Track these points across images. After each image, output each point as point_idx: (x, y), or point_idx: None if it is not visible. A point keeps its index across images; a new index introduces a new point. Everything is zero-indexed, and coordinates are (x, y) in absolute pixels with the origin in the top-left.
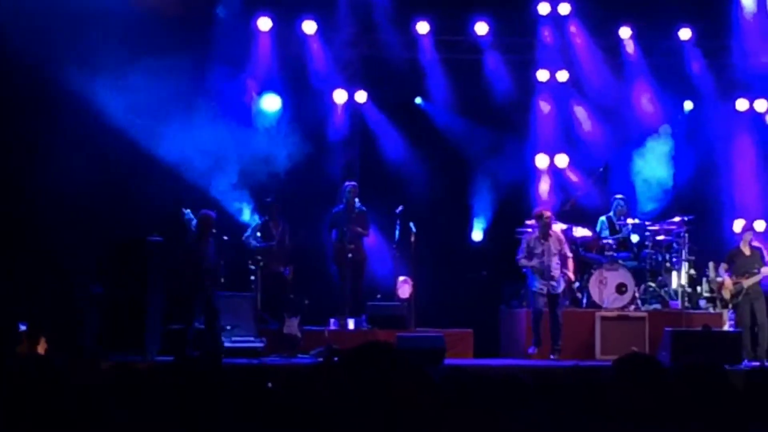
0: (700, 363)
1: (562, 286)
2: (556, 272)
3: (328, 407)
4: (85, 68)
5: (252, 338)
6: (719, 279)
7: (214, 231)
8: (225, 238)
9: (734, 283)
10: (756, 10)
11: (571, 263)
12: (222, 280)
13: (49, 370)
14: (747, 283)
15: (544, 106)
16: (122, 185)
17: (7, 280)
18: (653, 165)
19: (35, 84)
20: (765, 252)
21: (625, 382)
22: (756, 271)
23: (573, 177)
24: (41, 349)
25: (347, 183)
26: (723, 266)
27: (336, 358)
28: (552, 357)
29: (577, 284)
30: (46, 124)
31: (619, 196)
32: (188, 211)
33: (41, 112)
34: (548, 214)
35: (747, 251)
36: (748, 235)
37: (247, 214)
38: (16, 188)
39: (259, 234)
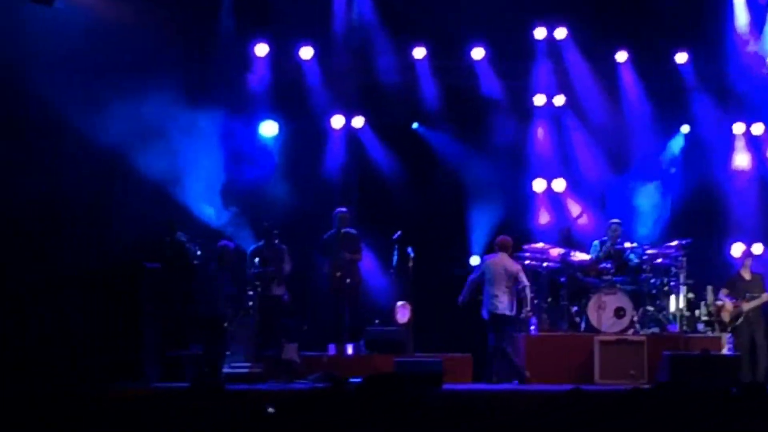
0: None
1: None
2: None
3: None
4: (75, 88)
5: (250, 364)
6: (719, 302)
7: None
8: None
9: (734, 307)
10: (751, 34)
11: None
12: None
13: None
14: (747, 306)
15: (541, 131)
16: (112, 208)
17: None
18: (650, 191)
19: (26, 106)
20: (766, 277)
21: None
22: (756, 295)
23: (571, 201)
24: None
25: (337, 209)
26: (723, 291)
27: (348, 385)
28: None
29: (575, 308)
30: (37, 145)
31: (614, 220)
32: (182, 233)
33: (34, 134)
34: None
35: (747, 276)
36: (749, 261)
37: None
38: (6, 212)
39: (257, 259)
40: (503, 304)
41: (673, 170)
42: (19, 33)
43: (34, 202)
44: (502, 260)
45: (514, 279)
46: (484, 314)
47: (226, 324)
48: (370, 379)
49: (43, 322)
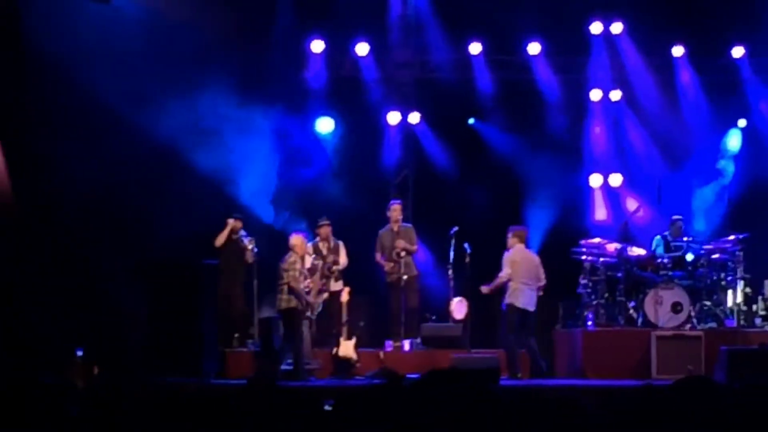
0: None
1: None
2: None
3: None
4: (132, 84)
5: (308, 360)
6: None
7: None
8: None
9: None
10: None
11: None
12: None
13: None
14: None
15: (598, 126)
16: (170, 204)
17: (56, 305)
18: (707, 192)
19: (81, 101)
20: None
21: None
22: None
23: (627, 197)
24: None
25: (392, 201)
26: None
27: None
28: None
29: (632, 303)
30: (95, 141)
31: (677, 216)
32: (244, 231)
33: (91, 130)
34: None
35: None
36: None
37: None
38: (64, 207)
39: (313, 256)
40: (528, 298)
41: (723, 164)
42: (77, 30)
43: (92, 197)
44: (527, 253)
45: (536, 272)
46: (504, 307)
47: (309, 314)
48: (431, 374)
49: (101, 316)
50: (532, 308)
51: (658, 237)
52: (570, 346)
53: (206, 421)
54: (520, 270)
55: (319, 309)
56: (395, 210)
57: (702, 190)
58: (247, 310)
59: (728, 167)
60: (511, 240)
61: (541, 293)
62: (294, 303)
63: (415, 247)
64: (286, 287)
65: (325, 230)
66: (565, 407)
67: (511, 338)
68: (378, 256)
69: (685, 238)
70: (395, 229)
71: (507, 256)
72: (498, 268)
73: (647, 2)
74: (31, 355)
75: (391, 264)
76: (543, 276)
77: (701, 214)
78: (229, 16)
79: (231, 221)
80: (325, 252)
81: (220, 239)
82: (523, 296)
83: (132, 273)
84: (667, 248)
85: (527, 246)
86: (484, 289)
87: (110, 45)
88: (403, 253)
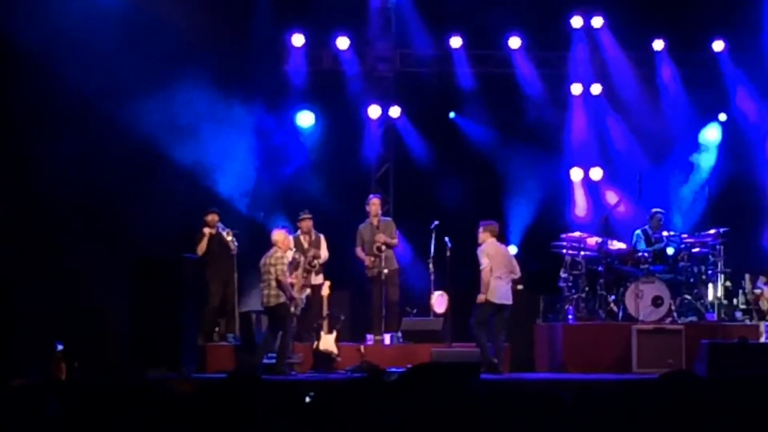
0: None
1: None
2: None
3: (369, 424)
4: (113, 79)
5: (289, 354)
6: (757, 291)
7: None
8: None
9: None
10: None
11: None
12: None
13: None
14: None
15: (578, 120)
16: (151, 199)
17: (36, 299)
18: (688, 185)
19: (59, 97)
20: None
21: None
22: None
23: (608, 191)
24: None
25: (371, 196)
26: (762, 279)
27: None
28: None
29: (613, 297)
30: (72, 137)
31: (657, 209)
32: (221, 224)
33: (68, 126)
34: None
35: None
36: None
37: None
38: (43, 204)
39: (293, 249)
40: (504, 292)
41: (696, 157)
42: (54, 24)
43: (71, 192)
44: (499, 246)
45: (509, 265)
46: (480, 299)
47: (293, 309)
48: (415, 369)
49: (82, 312)
50: (509, 302)
51: (639, 231)
52: (550, 340)
53: (186, 415)
54: (494, 264)
55: (302, 305)
56: (374, 204)
57: (683, 185)
58: (231, 304)
59: (704, 160)
60: (483, 235)
61: (519, 287)
62: (283, 299)
63: (395, 241)
64: (273, 282)
65: (307, 223)
66: (545, 401)
67: (482, 333)
68: (358, 251)
69: (665, 233)
70: (375, 223)
71: (481, 250)
72: (477, 262)
73: None
74: (13, 351)
75: (372, 258)
76: (517, 268)
77: (681, 208)
78: (209, 10)
79: (206, 230)
80: (306, 245)
81: (201, 249)
82: (498, 291)
83: (113, 268)
84: (648, 242)
85: (500, 240)
86: (481, 297)
87: (89, 40)
88: (383, 247)
